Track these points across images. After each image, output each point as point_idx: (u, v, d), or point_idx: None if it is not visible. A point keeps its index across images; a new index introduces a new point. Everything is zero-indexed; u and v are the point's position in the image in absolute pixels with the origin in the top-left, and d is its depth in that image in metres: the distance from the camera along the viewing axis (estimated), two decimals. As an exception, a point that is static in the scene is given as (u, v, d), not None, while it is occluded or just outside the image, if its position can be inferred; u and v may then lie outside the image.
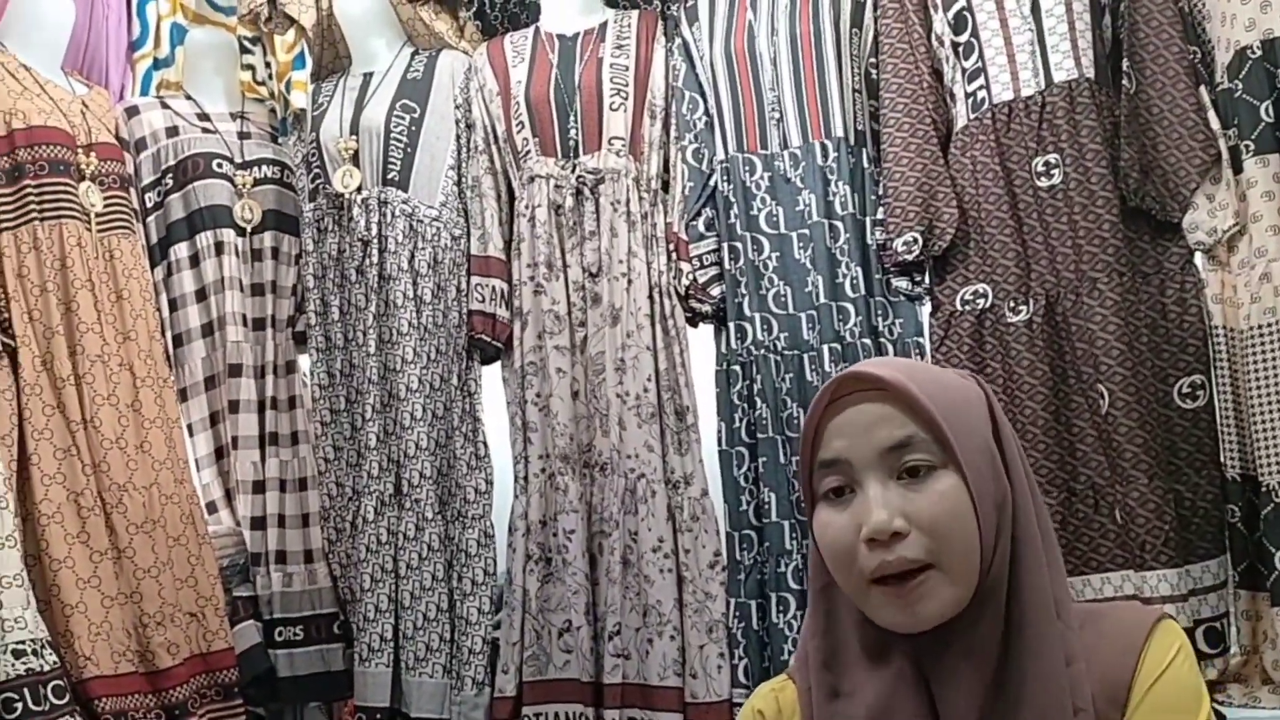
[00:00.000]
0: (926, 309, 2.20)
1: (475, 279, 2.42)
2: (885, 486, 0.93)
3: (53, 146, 2.28)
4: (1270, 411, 1.96)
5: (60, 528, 2.10)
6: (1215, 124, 2.05)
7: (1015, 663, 0.92)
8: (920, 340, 2.18)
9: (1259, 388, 1.98)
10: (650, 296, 2.31)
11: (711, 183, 2.32)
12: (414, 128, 2.44)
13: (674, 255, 2.33)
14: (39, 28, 2.40)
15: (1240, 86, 2.01)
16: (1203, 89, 2.08)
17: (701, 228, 2.33)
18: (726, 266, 2.28)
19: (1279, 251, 1.97)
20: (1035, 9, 2.10)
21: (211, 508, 2.48)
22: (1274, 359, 1.97)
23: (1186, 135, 2.05)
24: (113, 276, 2.32)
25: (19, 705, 1.90)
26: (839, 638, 1.00)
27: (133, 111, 2.57)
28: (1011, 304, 2.09)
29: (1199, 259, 2.08)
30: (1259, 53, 1.99)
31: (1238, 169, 2.03)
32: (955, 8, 2.17)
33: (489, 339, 2.40)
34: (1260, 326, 1.99)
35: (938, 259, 2.17)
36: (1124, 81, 2.08)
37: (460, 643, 2.29)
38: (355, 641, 2.32)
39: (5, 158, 2.24)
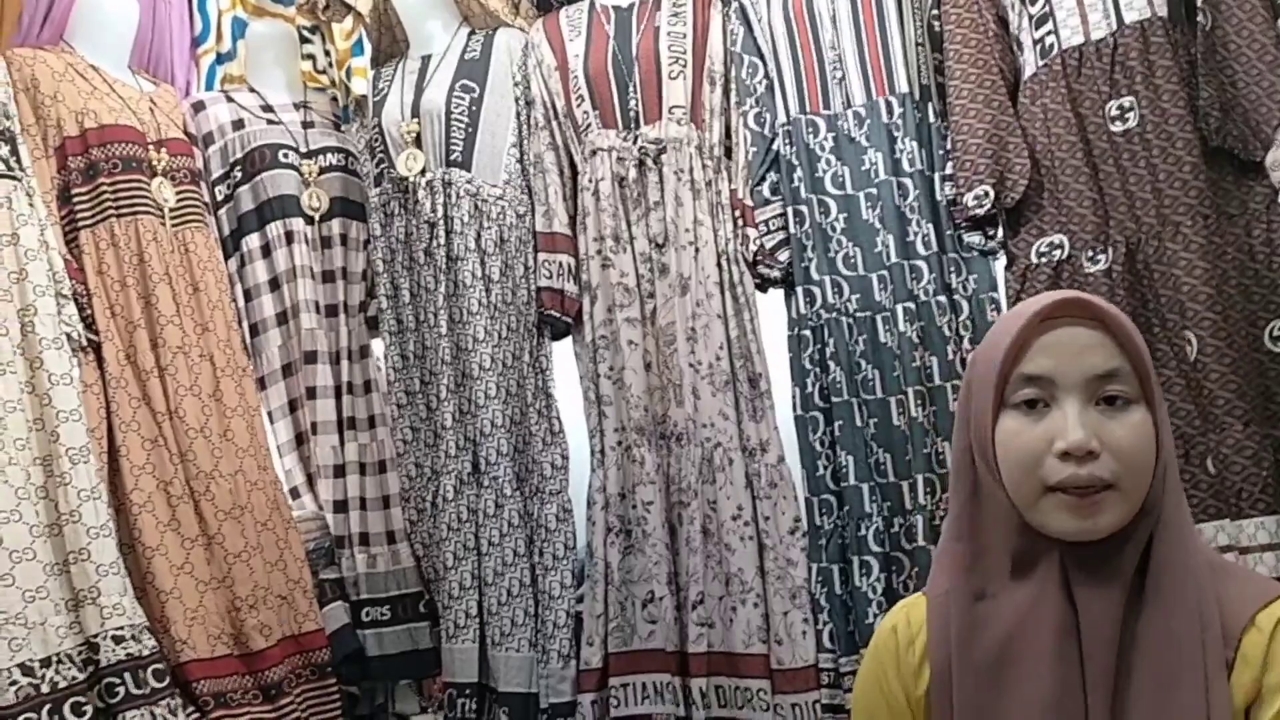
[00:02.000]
0: (1001, 263, 2.16)
1: (542, 255, 2.42)
2: (1084, 408, 1.01)
3: (125, 144, 2.33)
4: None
5: (152, 516, 2.15)
6: (1297, 58, 1.98)
7: (1154, 581, 1.01)
8: (995, 296, 2.14)
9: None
10: (718, 264, 2.30)
11: (775, 147, 2.30)
12: (474, 108, 2.45)
13: (740, 222, 2.32)
14: (105, 28, 2.45)
15: (1323, 17, 1.94)
16: (1282, 22, 2.01)
17: (766, 193, 2.30)
18: (793, 230, 2.26)
19: (1369, 185, 1.90)
20: (1103, -52, 2.04)
21: (294, 493, 2.52)
22: (1369, 297, 1.91)
23: (1266, 70, 1.98)
24: (189, 269, 2.36)
25: (121, 689, 1.95)
26: (984, 543, 1.07)
27: (199, 107, 2.61)
28: (1090, 253, 2.05)
29: (1284, 198, 2.02)
30: (1342, -20, 1.92)
31: (1322, 103, 1.96)
32: (1019, -47, 2.12)
33: (558, 314, 2.40)
34: (1352, 264, 1.92)
35: (1010, 212, 2.13)
36: (1199, 19, 2.01)
37: (544, 617, 2.30)
38: (441, 619, 2.35)
39: (80, 157, 2.29)
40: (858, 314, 2.18)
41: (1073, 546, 1.02)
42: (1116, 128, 2.03)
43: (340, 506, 2.49)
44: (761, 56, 2.32)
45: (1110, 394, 1.02)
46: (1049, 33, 2.10)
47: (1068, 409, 1.01)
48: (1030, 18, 2.12)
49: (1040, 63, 2.11)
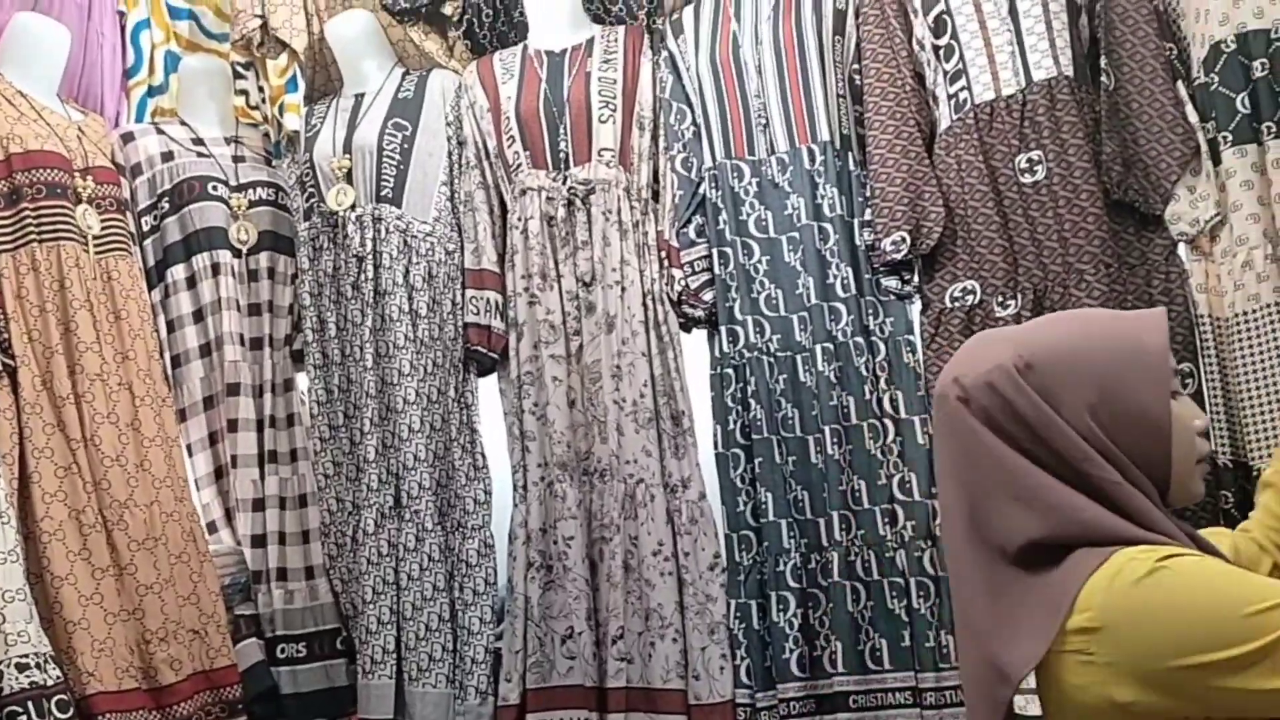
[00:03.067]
0: (917, 307, 2.23)
1: (470, 292, 2.44)
2: None
3: (50, 170, 2.32)
4: (1257, 397, 1.98)
5: (62, 545, 2.11)
6: (1193, 117, 2.10)
7: None
8: (911, 338, 2.21)
9: (1246, 374, 2.00)
10: (644, 303, 2.34)
11: (701, 190, 2.36)
12: (406, 145, 2.48)
13: (666, 262, 2.36)
14: (35, 56, 2.44)
15: (1216, 80, 2.06)
16: (1180, 84, 2.13)
17: (692, 234, 2.36)
18: (717, 271, 2.31)
19: (1260, 239, 2.01)
20: (1013, 10, 2.15)
21: (212, 527, 2.49)
22: (1259, 345, 2.00)
23: (1166, 129, 2.10)
24: (111, 297, 2.35)
25: (23, 719, 1.90)
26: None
27: (128, 137, 2.60)
28: (1000, 299, 2.12)
29: (1182, 249, 2.12)
30: (1233, 46, 2.04)
31: (1216, 160, 2.07)
32: (935, 11, 2.22)
33: (485, 350, 2.42)
34: (1245, 313, 2.02)
35: (926, 257, 2.21)
36: (1103, 78, 2.12)
37: (463, 652, 2.29)
38: (358, 655, 2.32)
39: (3, 181, 2.27)
40: (778, 353, 2.23)
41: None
42: (1026, 179, 2.12)
43: (259, 541, 2.47)
44: (689, 103, 2.39)
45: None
46: (963, 88, 2.19)
47: (1187, 396, 1.20)
48: (945, 73, 2.22)
49: (954, 116, 2.20)
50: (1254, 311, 2.00)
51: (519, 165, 2.43)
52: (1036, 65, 2.13)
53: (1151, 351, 1.13)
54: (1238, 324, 2.02)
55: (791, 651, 2.12)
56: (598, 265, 2.33)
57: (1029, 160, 2.12)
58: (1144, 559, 1.03)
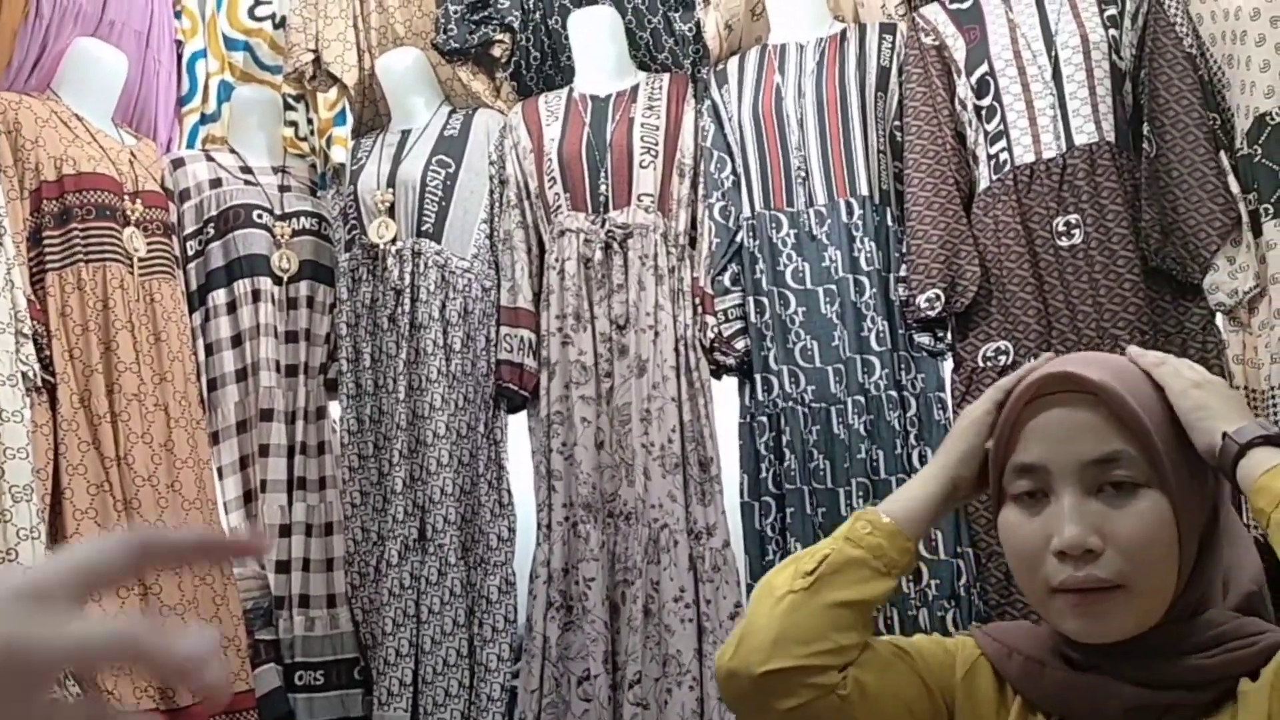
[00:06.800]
0: (949, 365, 2.23)
1: (504, 329, 2.46)
2: (1083, 500, 0.90)
3: (100, 192, 2.37)
4: (1293, 471, 1.96)
5: (90, 562, 2.13)
6: (1235, 188, 2.09)
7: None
8: (942, 395, 2.20)
9: (1281, 447, 1.98)
10: (676, 349, 2.35)
11: (738, 239, 2.37)
12: (449, 182, 2.51)
13: (700, 309, 2.38)
14: (92, 80, 2.50)
15: (1260, 151, 2.05)
16: (1222, 154, 2.13)
17: (727, 282, 2.37)
18: (752, 320, 2.32)
19: (1299, 312, 1.99)
20: (1057, 74, 2.16)
21: (238, 550, 2.50)
22: (1296, 418, 1.98)
23: (1206, 198, 2.09)
24: (152, 319, 2.38)
25: (42, 734, 1.91)
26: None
27: (178, 163, 2.66)
28: (1032, 360, 2.11)
29: (1219, 320, 2.11)
30: (1278, 119, 2.04)
31: (1257, 232, 2.06)
32: (978, 73, 2.23)
33: (516, 388, 2.44)
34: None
35: (960, 316, 2.20)
36: (1145, 145, 2.13)
37: (479, 689, 2.29)
38: (375, 686, 2.32)
39: (55, 201, 2.32)
40: (812, 404, 2.23)
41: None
42: (1063, 242, 2.12)
43: (283, 567, 2.48)
44: (730, 153, 2.41)
45: (1115, 480, 0.89)
46: (1003, 149, 2.20)
47: (1065, 501, 0.90)
48: (986, 134, 2.23)
49: (994, 177, 2.21)
50: (1291, 385, 1.99)
51: (559, 207, 2.45)
52: (1078, 130, 2.14)
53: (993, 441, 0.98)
54: (1273, 397, 2.01)
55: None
56: (632, 309, 2.35)
57: (1067, 224, 2.12)
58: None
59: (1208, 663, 0.90)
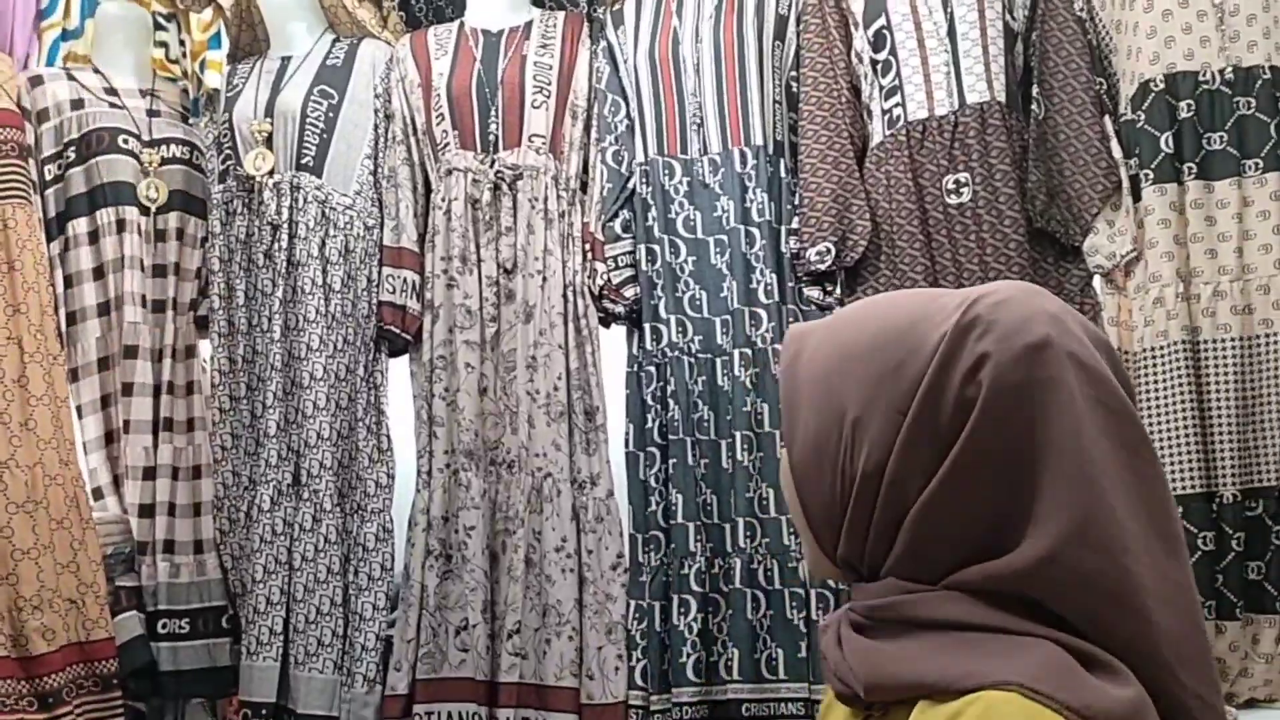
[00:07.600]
0: (837, 319, 2.23)
1: (387, 270, 2.38)
2: None
3: (-52, 108, 2.19)
4: (1163, 430, 2.03)
5: (-67, 503, 2.00)
6: (1118, 153, 2.14)
7: None
8: (829, 349, 2.20)
9: (1153, 408, 2.05)
10: (564, 295, 2.30)
11: (630, 185, 2.33)
12: (331, 114, 2.40)
13: (589, 255, 2.33)
14: (-60, -14, 2.31)
15: (1142, 118, 2.09)
16: (1107, 119, 2.17)
17: (618, 229, 2.33)
18: (643, 268, 2.28)
19: (1172, 277, 2.05)
20: (951, 32, 2.16)
21: (98, 494, 2.38)
22: (1166, 380, 2.04)
23: (1090, 162, 2.13)
24: (5, 246, 2.23)
25: (-123, 686, 1.80)
26: None
27: (36, 81, 2.48)
28: (919, 317, 2.13)
29: (1097, 282, 2.16)
30: (1161, 86, 2.08)
31: (1137, 197, 2.11)
32: (875, 26, 2.22)
33: (398, 331, 2.36)
34: (1152, 349, 2.06)
35: (849, 270, 2.21)
36: (1033, 107, 2.15)
37: (353, 639, 2.23)
38: (244, 635, 2.25)
39: (-104, 116, 2.14)
40: (699, 354, 2.22)
41: None
42: (952, 200, 2.14)
43: (146, 511, 2.37)
44: (625, 96, 2.36)
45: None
46: (897, 105, 2.20)
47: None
48: (881, 88, 2.22)
49: (887, 132, 2.21)
50: (1162, 348, 2.05)
51: (446, 144, 2.37)
52: (971, 88, 2.15)
53: None
54: (1146, 359, 2.06)
55: (689, 656, 2.10)
56: (520, 253, 2.29)
57: (956, 181, 2.14)
58: None
59: None
